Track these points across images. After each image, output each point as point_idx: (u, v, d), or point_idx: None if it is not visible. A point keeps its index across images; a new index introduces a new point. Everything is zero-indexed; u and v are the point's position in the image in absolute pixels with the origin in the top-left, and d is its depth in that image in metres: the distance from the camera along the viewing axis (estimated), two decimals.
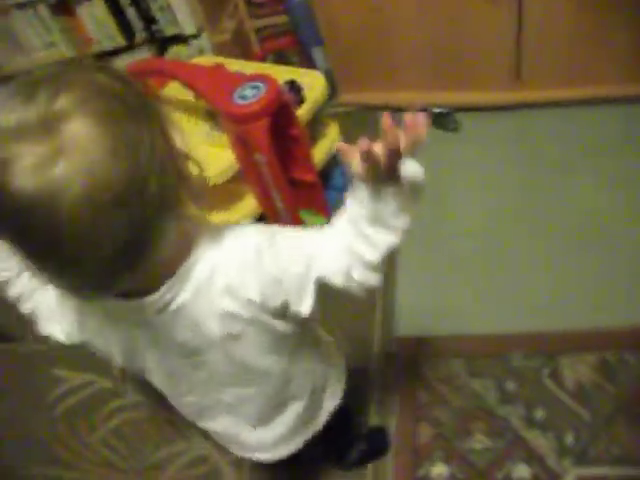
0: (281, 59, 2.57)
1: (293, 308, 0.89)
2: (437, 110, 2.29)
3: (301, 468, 1.59)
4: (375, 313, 1.86)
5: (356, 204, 0.82)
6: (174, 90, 2.03)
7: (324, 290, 0.88)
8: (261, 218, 1.91)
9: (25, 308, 1.02)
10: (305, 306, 0.89)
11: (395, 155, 0.74)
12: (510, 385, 1.63)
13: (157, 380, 1.03)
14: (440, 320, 1.80)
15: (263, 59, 2.52)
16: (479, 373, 1.67)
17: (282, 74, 1.90)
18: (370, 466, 1.58)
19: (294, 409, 1.12)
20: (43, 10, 2.46)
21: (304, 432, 1.19)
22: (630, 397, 1.55)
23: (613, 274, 1.79)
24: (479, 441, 1.56)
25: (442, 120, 2.28)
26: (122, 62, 2.52)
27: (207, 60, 2.08)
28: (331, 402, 1.21)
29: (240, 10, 2.46)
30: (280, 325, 0.92)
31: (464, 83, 2.27)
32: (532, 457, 1.50)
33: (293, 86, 1.88)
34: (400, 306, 1.86)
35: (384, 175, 0.77)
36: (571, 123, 2.20)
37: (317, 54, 2.46)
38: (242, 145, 1.69)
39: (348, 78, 2.42)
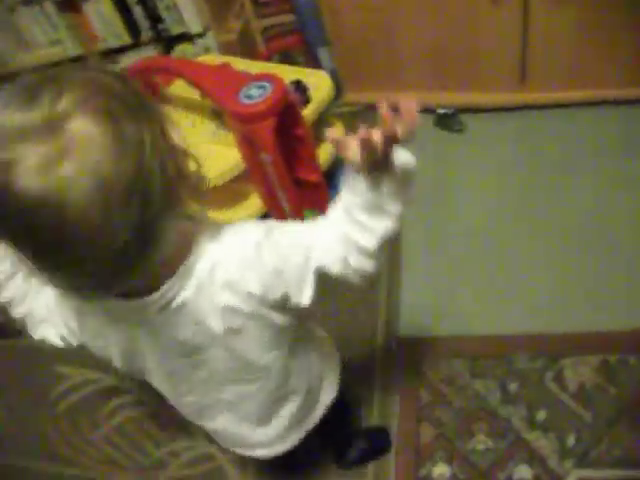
0: (286, 59, 2.57)
1: (293, 300, 0.90)
2: (442, 111, 2.29)
3: (302, 467, 1.60)
4: (378, 313, 1.86)
5: (351, 193, 0.84)
6: (180, 88, 2.04)
7: (323, 280, 0.90)
8: (266, 217, 1.91)
9: (17, 312, 1.02)
10: (305, 297, 0.90)
11: (392, 141, 0.76)
12: (512, 386, 1.63)
13: (157, 381, 1.04)
14: (443, 320, 1.81)
15: (269, 59, 2.52)
16: (481, 374, 1.67)
17: (288, 74, 1.91)
18: (371, 466, 1.58)
19: (293, 404, 1.13)
20: (49, 7, 2.46)
21: (302, 426, 1.20)
22: (632, 399, 1.55)
23: (615, 276, 1.79)
24: (481, 442, 1.56)
25: (447, 121, 2.28)
26: (128, 60, 2.53)
27: (213, 59, 2.08)
28: (328, 395, 1.22)
29: (246, 9, 2.46)
30: (279, 318, 0.92)
31: (469, 84, 2.27)
32: (534, 458, 1.51)
33: (299, 86, 1.89)
34: (403, 306, 1.87)
35: (380, 162, 0.78)
36: (574, 124, 2.20)
37: (323, 54, 2.46)
38: (248, 144, 1.70)
39: (353, 78, 2.42)
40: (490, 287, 1.86)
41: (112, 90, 0.71)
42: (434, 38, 2.16)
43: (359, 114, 2.39)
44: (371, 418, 1.66)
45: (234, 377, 1.01)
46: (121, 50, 2.55)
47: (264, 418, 1.12)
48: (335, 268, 0.88)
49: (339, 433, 1.53)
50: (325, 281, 0.90)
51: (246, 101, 1.64)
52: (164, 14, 2.42)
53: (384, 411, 1.66)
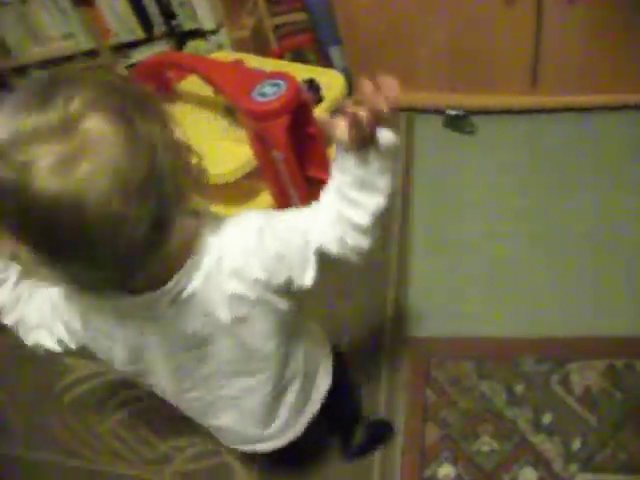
0: (298, 57, 2.58)
1: (297, 282, 0.93)
2: (453, 112, 2.29)
3: (307, 462, 1.61)
4: (386, 313, 1.86)
5: (341, 173, 0.88)
6: (192, 84, 2.04)
7: (323, 261, 0.93)
8: None
9: (8, 319, 1.03)
10: (308, 278, 0.93)
11: (377, 117, 0.80)
12: (518, 388, 1.64)
13: (160, 379, 1.04)
14: (450, 321, 1.81)
15: (281, 56, 2.53)
16: (488, 375, 1.68)
17: (301, 72, 1.91)
18: (376, 466, 1.58)
19: (292, 394, 1.15)
20: (63, 0, 2.46)
21: (302, 416, 1.21)
22: (637, 404, 1.55)
23: (623, 281, 1.79)
24: (486, 443, 1.57)
25: (458, 122, 2.28)
26: (140, 54, 2.54)
27: (226, 55, 2.09)
28: (324, 381, 1.24)
29: (259, 7, 2.47)
30: (282, 304, 0.95)
31: (480, 86, 2.27)
32: (539, 461, 1.51)
33: (312, 85, 1.89)
34: (411, 307, 1.87)
35: (367, 139, 0.83)
36: (585, 128, 2.20)
37: (334, 53, 2.46)
38: (260, 142, 1.70)
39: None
40: (498, 289, 1.86)
41: (122, 89, 0.74)
42: (446, 39, 2.16)
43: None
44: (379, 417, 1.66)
45: (238, 369, 1.02)
46: (134, 45, 2.56)
47: (267, 411, 1.13)
48: (333, 248, 0.92)
49: (343, 418, 1.53)
50: (325, 262, 0.94)
51: (260, 99, 1.65)
52: (177, 10, 2.43)
53: (390, 410, 1.66)
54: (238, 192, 1.86)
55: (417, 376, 1.71)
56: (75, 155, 0.65)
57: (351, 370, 1.44)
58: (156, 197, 0.72)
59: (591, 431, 1.53)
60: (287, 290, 0.93)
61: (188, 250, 0.85)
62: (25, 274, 1.04)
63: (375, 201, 0.89)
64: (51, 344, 1.01)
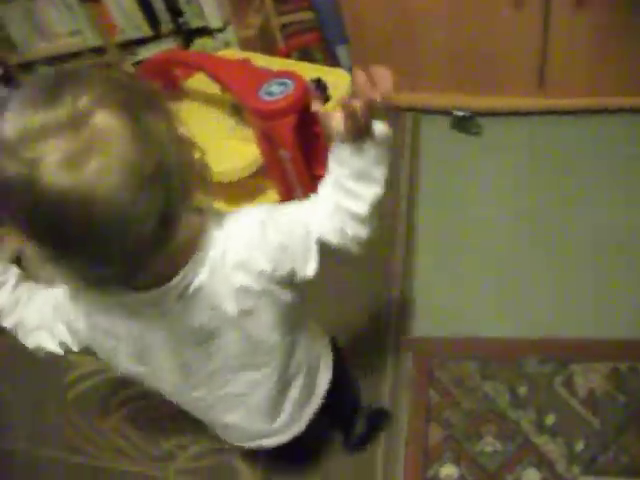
0: (305, 56, 2.58)
1: (300, 274, 0.95)
2: (460, 113, 2.29)
3: (310, 458, 1.61)
4: (391, 312, 1.87)
5: (338, 165, 0.92)
6: (200, 82, 2.04)
7: (324, 252, 0.95)
8: None
9: (7, 322, 1.03)
10: (310, 269, 0.95)
11: (371, 107, 0.84)
12: (522, 390, 1.64)
13: (167, 378, 1.05)
14: (455, 322, 1.81)
15: (287, 55, 2.53)
16: (492, 376, 1.68)
17: (307, 71, 1.91)
18: (379, 466, 1.59)
19: (295, 390, 1.16)
20: None
21: (306, 410, 1.23)
22: None
23: (630, 286, 1.79)
24: (489, 444, 1.57)
25: (464, 124, 2.28)
26: (147, 52, 2.54)
27: (233, 54, 2.09)
28: (325, 375, 1.25)
29: (266, 5, 2.47)
30: (286, 295, 0.96)
31: (487, 87, 2.26)
32: (542, 462, 1.51)
33: (319, 84, 1.89)
34: (416, 307, 1.87)
35: (362, 129, 0.86)
36: (591, 131, 2.20)
37: (341, 52, 2.47)
38: (267, 141, 1.71)
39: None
40: (502, 290, 1.86)
41: (128, 86, 0.75)
42: (454, 40, 2.15)
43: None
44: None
45: (244, 362, 1.03)
46: (140, 42, 2.56)
47: (272, 405, 1.14)
48: (333, 238, 0.95)
49: (343, 411, 1.54)
50: (326, 254, 0.96)
51: (267, 98, 1.65)
52: (184, 7, 2.43)
53: (394, 410, 1.67)
54: (244, 190, 1.86)
55: (421, 376, 1.71)
56: (84, 151, 0.66)
57: (349, 365, 1.44)
58: (164, 192, 0.73)
59: (594, 433, 1.54)
60: (290, 282, 0.95)
61: (193, 246, 0.86)
62: (26, 275, 1.05)
63: (372, 191, 0.93)
64: (52, 346, 1.01)
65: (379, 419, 1.63)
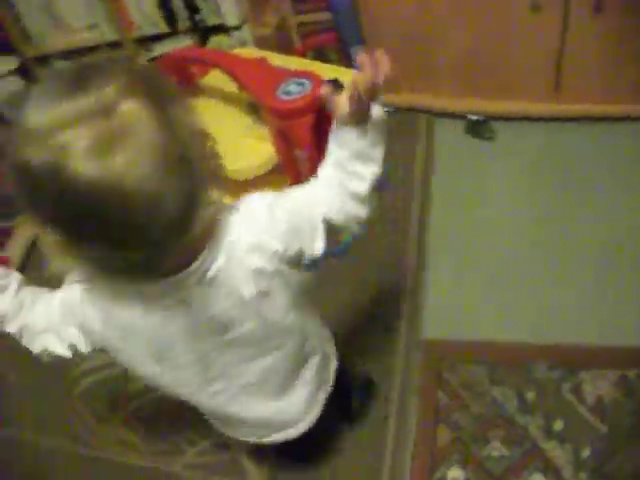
0: (320, 56, 2.57)
1: (308, 253, 0.98)
2: (474, 117, 2.29)
3: (317, 456, 1.62)
4: (401, 315, 1.87)
5: (339, 147, 0.97)
6: (217, 80, 2.04)
7: (329, 232, 1.00)
8: None
9: (11, 327, 1.03)
10: (317, 248, 0.99)
11: (374, 90, 0.89)
12: (530, 395, 1.65)
13: (183, 375, 1.05)
14: (464, 325, 1.82)
15: (303, 55, 2.53)
16: (500, 381, 1.69)
17: (324, 71, 1.91)
18: (386, 467, 1.60)
19: (310, 371, 1.19)
20: None
21: (320, 394, 1.26)
22: None
23: (638, 292, 1.80)
24: (496, 448, 1.58)
25: (478, 128, 2.28)
26: (163, 48, 2.54)
27: (251, 52, 2.09)
28: (334, 361, 1.31)
29: (284, 5, 2.47)
30: (295, 276, 0.99)
31: (502, 91, 2.26)
32: (548, 468, 1.52)
33: (335, 84, 1.89)
34: (426, 309, 1.88)
35: (364, 112, 0.92)
36: (606, 138, 2.20)
37: (357, 53, 2.46)
38: (284, 140, 1.71)
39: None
40: (514, 295, 1.87)
41: (151, 76, 0.77)
42: (470, 43, 2.15)
43: (390, 115, 2.40)
44: (390, 417, 1.68)
45: (261, 347, 1.05)
46: (157, 38, 2.56)
47: (289, 385, 1.17)
48: (336, 217, 0.99)
49: (344, 394, 1.56)
50: (331, 233, 1.00)
51: (284, 97, 1.65)
52: (201, 4, 2.43)
53: (403, 411, 1.68)
54: (260, 189, 1.86)
55: (430, 378, 1.72)
56: (112, 139, 0.67)
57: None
58: (188, 179, 0.75)
59: (601, 440, 1.54)
60: (298, 262, 0.98)
61: (209, 233, 0.88)
62: (28, 278, 1.06)
63: (371, 170, 0.98)
64: (60, 349, 1.01)
65: (369, 389, 1.69)
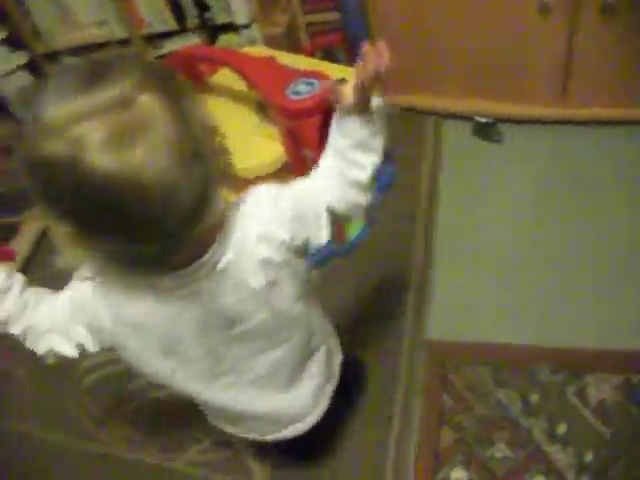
0: (328, 56, 2.58)
1: (314, 242, 1.00)
2: (482, 119, 2.29)
3: (320, 455, 1.63)
4: (406, 315, 1.88)
5: (341, 137, 0.99)
6: (226, 78, 2.04)
7: (332, 220, 1.02)
8: None
9: (15, 329, 1.02)
10: (323, 236, 1.01)
11: (377, 79, 0.91)
12: (534, 397, 1.65)
13: (193, 370, 1.06)
14: (470, 327, 1.82)
15: (312, 54, 2.53)
16: (504, 383, 1.69)
17: (332, 71, 1.91)
18: (390, 467, 1.60)
19: (316, 364, 1.21)
20: None
21: (326, 389, 1.28)
22: None
23: None
24: (500, 450, 1.58)
25: (486, 130, 2.28)
26: (172, 45, 2.54)
27: (260, 51, 2.09)
28: (338, 354, 1.33)
29: (293, 4, 2.47)
30: (302, 266, 1.01)
31: (509, 94, 2.26)
32: (551, 471, 1.52)
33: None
34: (431, 310, 1.88)
35: (366, 102, 0.95)
36: (613, 143, 2.20)
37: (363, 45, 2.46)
38: (292, 140, 1.72)
39: (394, 80, 2.42)
40: (519, 297, 1.87)
41: (164, 72, 0.79)
42: (478, 45, 2.15)
43: (397, 116, 2.40)
44: (394, 418, 1.68)
45: (270, 340, 1.06)
46: (166, 35, 2.57)
47: (296, 378, 1.18)
48: (339, 206, 1.02)
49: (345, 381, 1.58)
50: (334, 221, 1.03)
51: (293, 97, 1.66)
52: (211, 2, 2.44)
53: (407, 411, 1.68)
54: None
55: (434, 379, 1.73)
56: (128, 132, 0.68)
57: None
58: (202, 172, 0.76)
59: (604, 445, 1.54)
60: (303, 251, 1.00)
61: (219, 226, 0.89)
62: (31, 279, 1.05)
63: (371, 159, 1.01)
64: (67, 349, 1.01)
65: (362, 373, 1.72)
